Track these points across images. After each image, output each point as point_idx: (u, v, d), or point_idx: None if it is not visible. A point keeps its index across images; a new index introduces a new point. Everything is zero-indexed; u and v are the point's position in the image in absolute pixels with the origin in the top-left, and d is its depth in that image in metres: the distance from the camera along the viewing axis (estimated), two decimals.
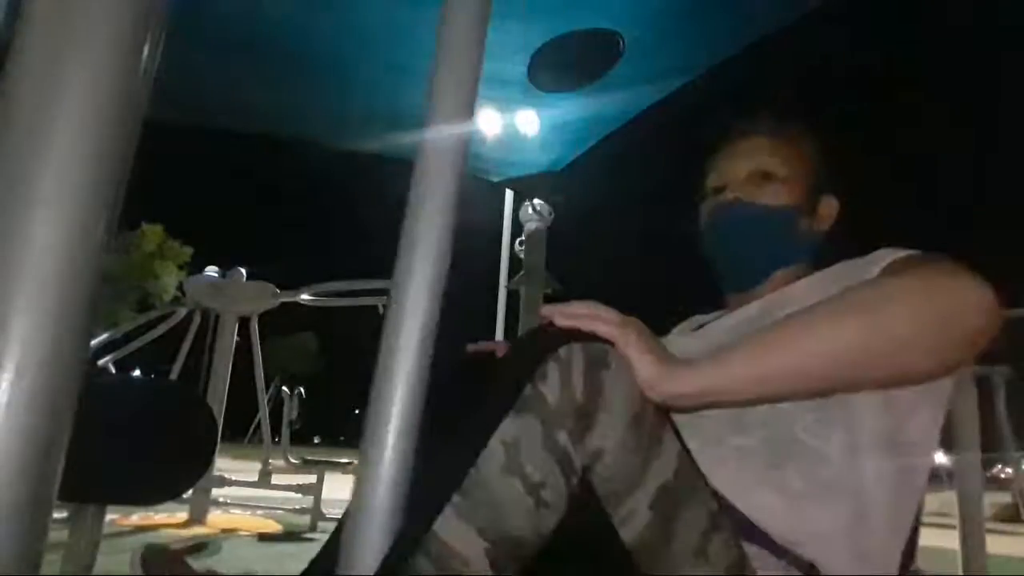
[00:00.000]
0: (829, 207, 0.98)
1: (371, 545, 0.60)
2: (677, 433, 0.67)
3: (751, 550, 0.71)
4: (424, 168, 0.69)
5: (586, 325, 0.64)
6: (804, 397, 0.74)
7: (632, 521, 0.62)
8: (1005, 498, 7.45)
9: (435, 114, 0.70)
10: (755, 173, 0.96)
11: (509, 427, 0.58)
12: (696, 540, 0.64)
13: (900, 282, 0.68)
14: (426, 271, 0.67)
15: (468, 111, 0.71)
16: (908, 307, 0.64)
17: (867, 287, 0.70)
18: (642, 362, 0.63)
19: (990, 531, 2.97)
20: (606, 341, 0.64)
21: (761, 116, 1.01)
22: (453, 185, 0.69)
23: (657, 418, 0.65)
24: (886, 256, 0.79)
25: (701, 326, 1.04)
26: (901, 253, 0.78)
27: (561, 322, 0.65)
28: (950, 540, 2.80)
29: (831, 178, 1.00)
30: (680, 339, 1.04)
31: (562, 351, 0.61)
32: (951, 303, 0.64)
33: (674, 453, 0.65)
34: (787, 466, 0.75)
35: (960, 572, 2.76)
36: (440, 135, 0.70)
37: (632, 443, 0.62)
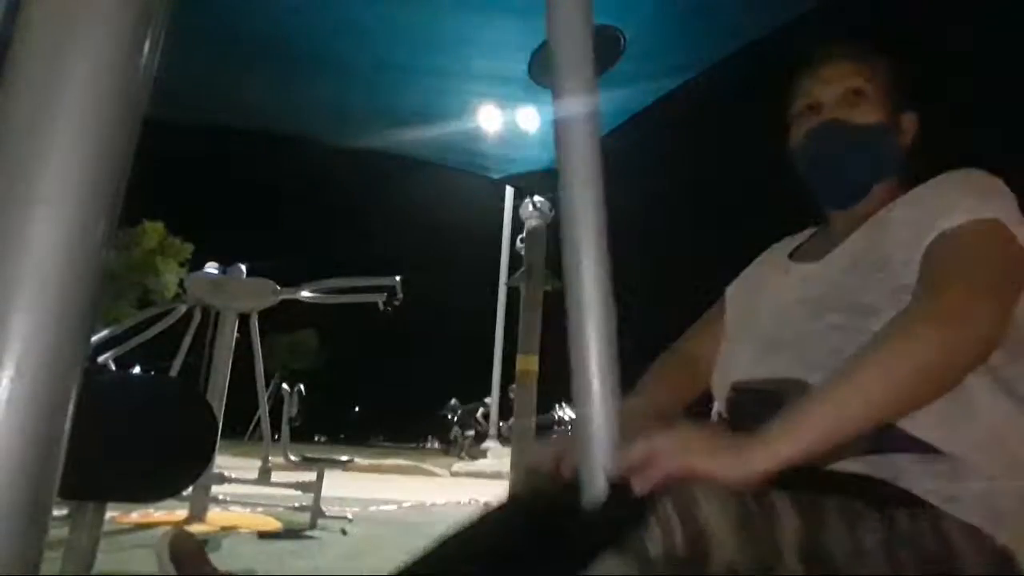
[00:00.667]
0: (911, 122, 1.05)
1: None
2: (780, 480, 0.68)
3: (908, 458, 0.77)
4: (566, 150, 0.72)
5: (659, 476, 0.65)
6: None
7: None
8: None
9: (563, 98, 0.73)
10: (847, 93, 1.02)
11: (610, 565, 0.60)
12: (848, 546, 0.67)
13: (930, 325, 0.75)
14: (592, 253, 0.70)
15: (591, 84, 0.74)
16: (941, 347, 0.73)
17: (908, 328, 0.76)
18: (721, 467, 0.65)
19: None
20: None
21: (842, 43, 1.08)
22: (596, 155, 0.72)
23: (759, 496, 0.66)
24: (958, 193, 0.88)
25: (797, 248, 1.10)
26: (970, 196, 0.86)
27: (642, 491, 0.65)
28: None
29: (909, 95, 1.06)
30: (777, 277, 1.08)
31: (659, 508, 0.62)
32: (971, 333, 0.74)
33: (790, 508, 0.66)
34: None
35: None
36: (572, 113, 0.73)
37: (753, 537, 0.63)
